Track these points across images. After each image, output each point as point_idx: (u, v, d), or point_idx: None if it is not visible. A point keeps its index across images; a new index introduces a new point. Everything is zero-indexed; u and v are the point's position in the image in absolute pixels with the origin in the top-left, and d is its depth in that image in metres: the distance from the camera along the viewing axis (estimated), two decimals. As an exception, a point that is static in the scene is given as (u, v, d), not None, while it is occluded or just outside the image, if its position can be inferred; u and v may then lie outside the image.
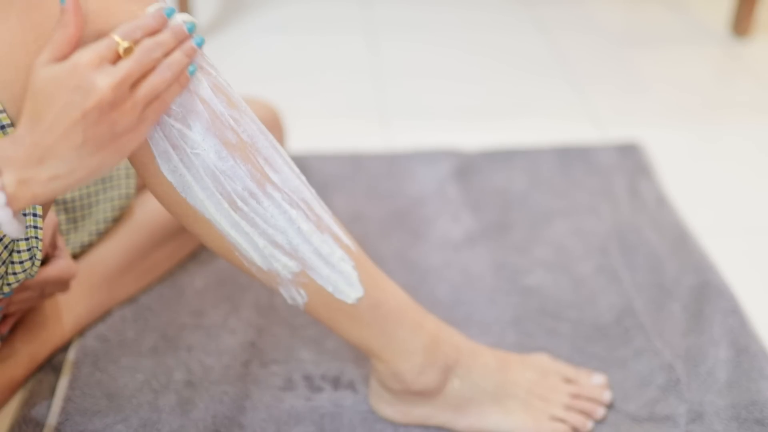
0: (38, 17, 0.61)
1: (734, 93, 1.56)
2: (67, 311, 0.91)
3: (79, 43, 0.59)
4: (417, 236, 1.13)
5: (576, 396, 0.85)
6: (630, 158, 1.29)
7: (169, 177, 0.67)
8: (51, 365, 0.90)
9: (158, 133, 0.65)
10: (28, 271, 0.68)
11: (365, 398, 0.87)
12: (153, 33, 0.61)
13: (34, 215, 0.66)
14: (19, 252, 0.67)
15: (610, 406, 0.87)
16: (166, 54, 0.62)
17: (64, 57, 0.58)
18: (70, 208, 0.93)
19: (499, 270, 1.07)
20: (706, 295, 1.00)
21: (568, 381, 0.87)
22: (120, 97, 0.58)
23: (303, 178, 0.72)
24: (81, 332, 0.93)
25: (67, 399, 0.85)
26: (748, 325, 0.95)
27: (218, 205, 0.68)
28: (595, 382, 0.87)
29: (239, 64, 1.62)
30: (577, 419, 0.83)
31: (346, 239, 0.74)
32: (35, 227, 0.66)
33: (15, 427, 0.82)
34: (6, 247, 0.65)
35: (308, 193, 0.72)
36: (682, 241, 1.10)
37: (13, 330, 0.87)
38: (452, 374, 0.81)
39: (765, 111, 1.48)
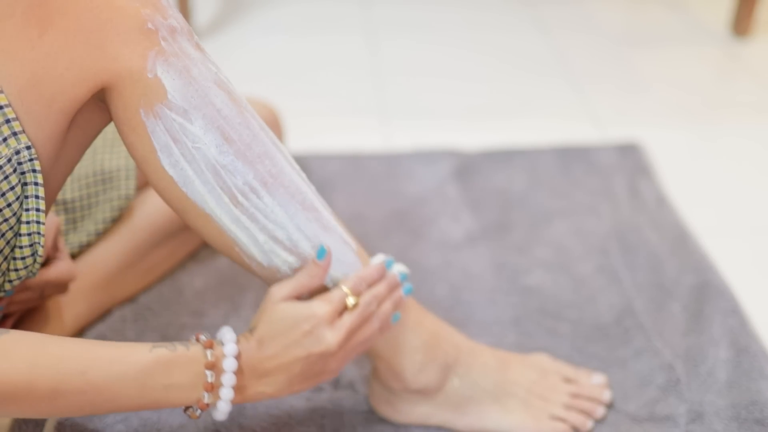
0: (43, 13, 0.61)
1: (734, 93, 1.56)
2: (67, 311, 0.91)
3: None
4: (417, 236, 1.13)
5: (576, 395, 0.85)
6: (630, 158, 1.29)
7: (170, 171, 0.67)
8: (51, 365, 0.89)
9: (160, 127, 0.65)
10: (30, 267, 0.68)
11: (365, 398, 0.87)
12: (373, 284, 0.73)
13: (37, 210, 0.66)
14: (21, 247, 0.67)
15: (610, 406, 0.86)
16: (380, 303, 0.73)
17: (301, 298, 0.70)
18: (69, 208, 0.93)
19: (499, 270, 1.07)
20: (706, 295, 1.00)
21: (568, 380, 0.87)
22: (341, 349, 0.69)
23: (303, 174, 0.73)
24: (81, 332, 0.93)
25: (67, 399, 0.85)
26: (748, 325, 0.95)
27: (219, 199, 0.68)
28: (594, 382, 0.87)
29: (239, 64, 1.62)
30: (577, 418, 0.83)
31: (346, 236, 0.75)
32: (38, 222, 0.66)
33: (15, 427, 0.82)
34: (8, 242, 0.65)
35: (308, 190, 0.72)
36: (682, 241, 1.10)
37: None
38: (452, 373, 0.81)
39: (765, 111, 1.48)
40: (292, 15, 1.85)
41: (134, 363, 0.63)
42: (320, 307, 0.68)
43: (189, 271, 1.03)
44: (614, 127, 1.42)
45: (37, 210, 0.66)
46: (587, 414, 0.84)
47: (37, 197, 0.65)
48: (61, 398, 0.61)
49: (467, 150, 1.32)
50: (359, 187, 1.23)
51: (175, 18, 0.66)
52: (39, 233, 0.66)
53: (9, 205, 0.64)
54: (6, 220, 0.64)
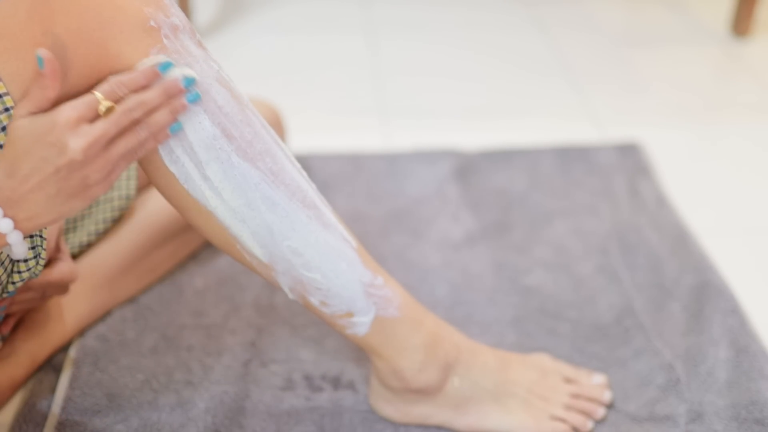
0: (46, 11, 0.61)
1: (734, 93, 1.56)
2: (69, 311, 0.91)
3: (58, 101, 0.61)
4: (417, 236, 1.13)
5: (576, 396, 0.85)
6: (630, 158, 1.29)
7: (172, 168, 0.67)
8: (51, 365, 0.90)
9: None
10: (33, 270, 0.68)
11: (365, 398, 0.87)
12: (140, 89, 0.63)
13: None
14: None
15: (610, 406, 0.87)
16: (151, 111, 0.63)
17: (42, 111, 0.61)
18: (70, 208, 0.93)
19: (499, 270, 1.07)
20: (706, 295, 1.00)
21: (569, 381, 0.87)
22: (91, 157, 0.61)
23: (304, 173, 0.73)
24: (81, 332, 0.93)
25: (68, 399, 0.85)
26: (748, 325, 0.95)
27: (219, 196, 0.68)
28: (595, 382, 0.87)
29: (239, 64, 1.62)
30: (577, 419, 0.83)
31: (347, 234, 0.75)
32: None
33: (15, 427, 0.82)
34: None
35: (308, 187, 0.73)
36: (682, 241, 1.10)
37: (14, 330, 0.87)
38: (452, 372, 0.81)
39: (765, 111, 1.48)
40: (292, 15, 1.85)
41: None
42: (61, 113, 0.60)
43: (189, 271, 1.03)
44: (614, 127, 1.42)
45: None
46: (587, 414, 0.84)
47: None
48: None
49: (467, 150, 1.32)
50: (359, 187, 1.23)
51: (178, 16, 0.66)
52: (41, 236, 0.67)
53: None
54: None
